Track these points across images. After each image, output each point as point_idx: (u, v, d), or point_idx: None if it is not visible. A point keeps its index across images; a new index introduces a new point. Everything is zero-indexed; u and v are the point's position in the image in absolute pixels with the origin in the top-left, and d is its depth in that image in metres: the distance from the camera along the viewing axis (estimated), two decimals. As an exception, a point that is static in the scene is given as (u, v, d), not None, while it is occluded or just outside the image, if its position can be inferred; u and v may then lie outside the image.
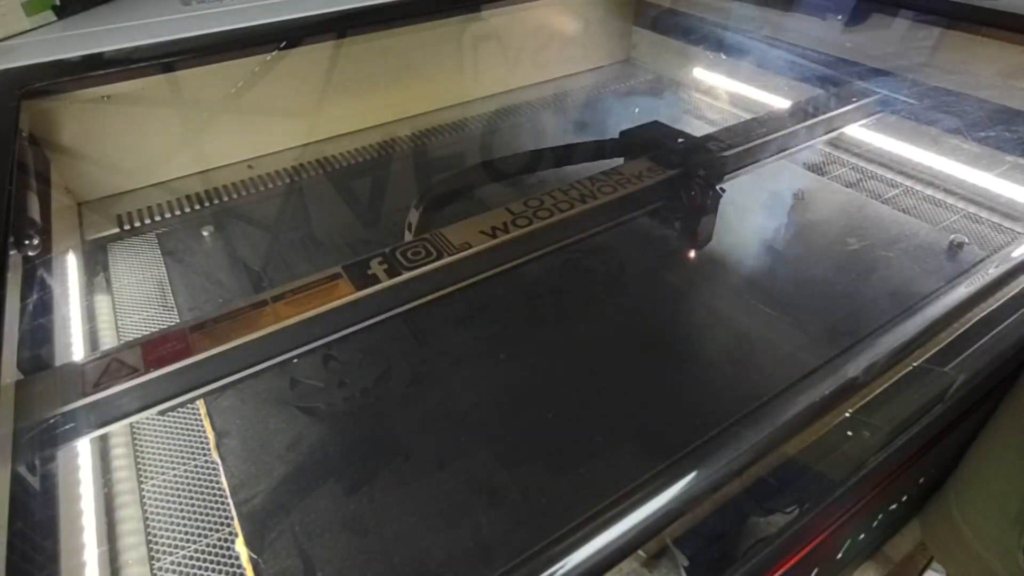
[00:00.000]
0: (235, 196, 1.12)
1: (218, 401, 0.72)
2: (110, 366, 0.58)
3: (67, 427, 0.55)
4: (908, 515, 0.84)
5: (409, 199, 1.13)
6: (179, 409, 0.70)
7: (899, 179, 1.09)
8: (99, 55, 0.95)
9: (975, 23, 1.04)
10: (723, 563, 0.52)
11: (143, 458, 0.66)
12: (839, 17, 1.22)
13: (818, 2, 1.25)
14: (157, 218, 1.06)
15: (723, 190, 0.87)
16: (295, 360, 0.66)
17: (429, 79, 1.37)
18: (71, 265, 0.88)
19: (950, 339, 0.71)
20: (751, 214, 1.02)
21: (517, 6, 1.37)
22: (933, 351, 0.69)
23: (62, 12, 1.06)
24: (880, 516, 0.73)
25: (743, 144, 0.94)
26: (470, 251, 0.73)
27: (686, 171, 0.88)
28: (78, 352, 0.74)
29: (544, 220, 0.78)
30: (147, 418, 0.69)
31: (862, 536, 0.72)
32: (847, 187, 1.08)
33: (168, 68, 1.03)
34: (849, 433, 0.61)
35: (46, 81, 0.90)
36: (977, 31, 1.05)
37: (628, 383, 0.74)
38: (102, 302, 0.87)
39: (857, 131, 1.14)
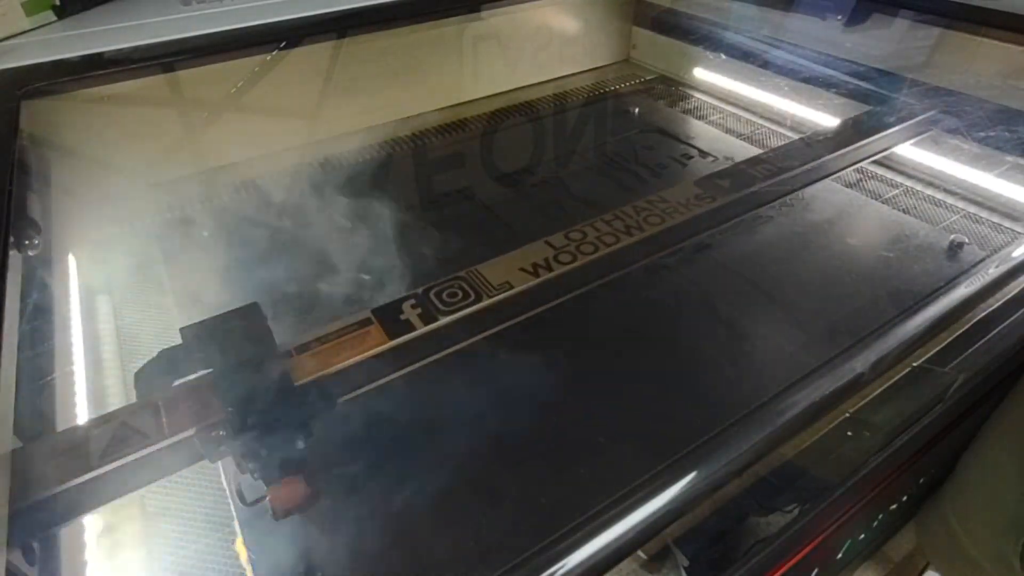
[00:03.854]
0: (235, 196, 1.12)
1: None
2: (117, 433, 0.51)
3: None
4: (908, 515, 0.84)
5: (409, 199, 1.13)
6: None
7: (899, 179, 1.09)
8: (99, 55, 0.94)
9: (975, 23, 1.04)
10: (723, 563, 0.52)
11: (143, 458, 0.66)
12: (839, 17, 1.22)
13: (818, 2, 1.25)
14: (157, 218, 1.06)
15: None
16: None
17: (429, 79, 1.37)
18: (71, 265, 0.87)
19: (950, 339, 0.71)
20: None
21: (517, 6, 1.37)
22: (933, 351, 0.69)
23: (62, 12, 1.06)
24: (880, 516, 0.73)
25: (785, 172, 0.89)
26: (511, 291, 0.68)
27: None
28: (78, 353, 0.74)
29: (588, 255, 0.73)
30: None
31: (862, 536, 0.72)
32: (847, 187, 1.08)
33: (168, 68, 1.03)
34: (849, 433, 0.61)
35: (46, 81, 0.90)
36: (977, 31, 1.05)
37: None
38: (102, 302, 0.87)
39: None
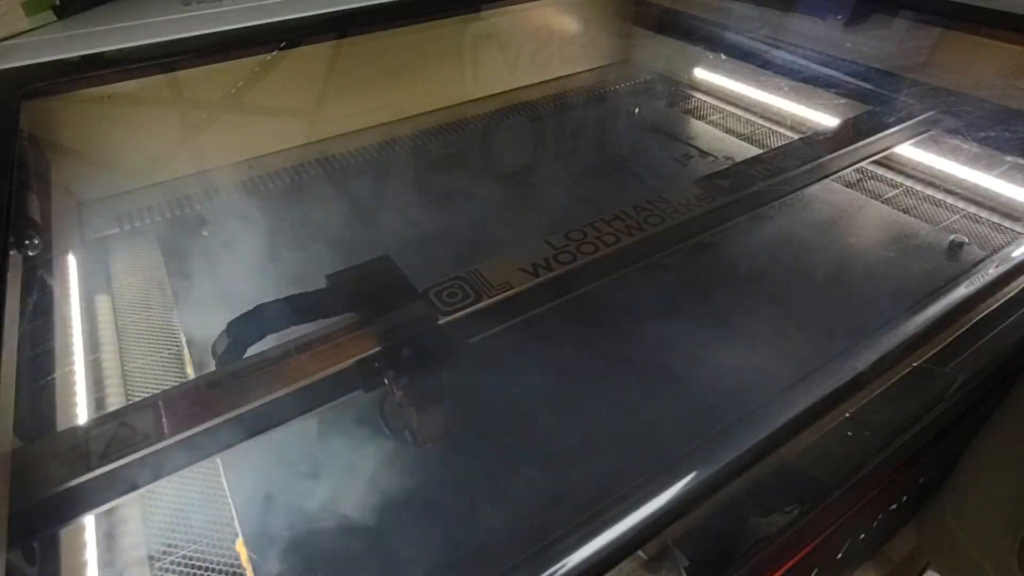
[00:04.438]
0: (235, 196, 1.12)
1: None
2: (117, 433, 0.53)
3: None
4: (908, 515, 0.84)
5: (409, 199, 1.14)
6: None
7: (899, 179, 1.09)
8: (99, 55, 0.94)
9: (975, 23, 1.04)
10: (723, 563, 0.52)
11: (143, 458, 0.66)
12: (839, 17, 1.22)
13: (818, 2, 1.25)
14: (157, 218, 1.06)
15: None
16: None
17: (429, 79, 1.37)
18: (71, 265, 0.88)
19: (950, 339, 0.71)
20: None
21: (517, 6, 1.37)
22: (933, 351, 0.69)
23: (62, 12, 1.06)
24: (880, 516, 0.73)
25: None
26: (511, 291, 0.68)
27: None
28: (78, 353, 0.74)
29: (588, 255, 0.73)
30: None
31: (862, 536, 0.72)
32: (847, 187, 1.08)
33: (168, 68, 1.03)
34: (849, 433, 0.61)
35: (46, 81, 0.90)
36: (977, 31, 1.05)
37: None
38: (102, 302, 0.87)
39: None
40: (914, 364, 0.68)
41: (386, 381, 0.60)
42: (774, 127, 1.29)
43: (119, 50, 0.96)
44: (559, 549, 0.50)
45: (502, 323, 0.69)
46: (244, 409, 0.56)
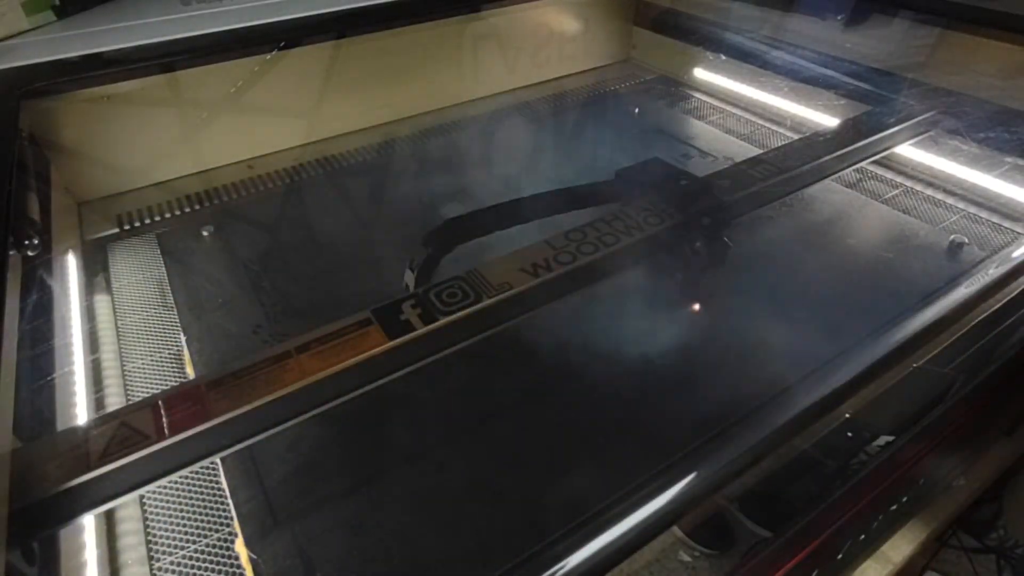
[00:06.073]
0: (235, 196, 1.12)
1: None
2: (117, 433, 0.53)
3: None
4: (908, 515, 0.84)
5: (408, 198, 1.13)
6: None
7: (899, 179, 1.09)
8: (99, 55, 0.94)
9: (975, 23, 1.04)
10: (724, 563, 0.52)
11: (143, 458, 0.66)
12: (839, 17, 1.22)
13: (818, 2, 1.25)
14: (157, 218, 1.06)
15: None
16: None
17: (429, 79, 1.37)
18: (71, 265, 0.88)
19: (950, 340, 0.71)
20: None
21: (517, 6, 1.37)
22: (933, 352, 0.69)
23: (62, 12, 1.06)
24: (880, 516, 0.73)
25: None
26: (511, 292, 0.68)
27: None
28: (78, 353, 0.74)
29: (588, 255, 0.73)
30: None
31: (862, 536, 0.72)
32: (847, 187, 1.08)
33: (168, 68, 1.03)
34: (849, 433, 0.61)
35: (46, 81, 0.90)
36: (977, 31, 1.05)
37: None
38: (102, 302, 0.87)
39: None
40: (914, 364, 0.68)
41: (687, 245, 0.77)
42: (774, 127, 1.29)
43: (119, 50, 0.96)
44: (559, 549, 0.50)
45: (502, 323, 0.69)
46: (244, 409, 0.55)
